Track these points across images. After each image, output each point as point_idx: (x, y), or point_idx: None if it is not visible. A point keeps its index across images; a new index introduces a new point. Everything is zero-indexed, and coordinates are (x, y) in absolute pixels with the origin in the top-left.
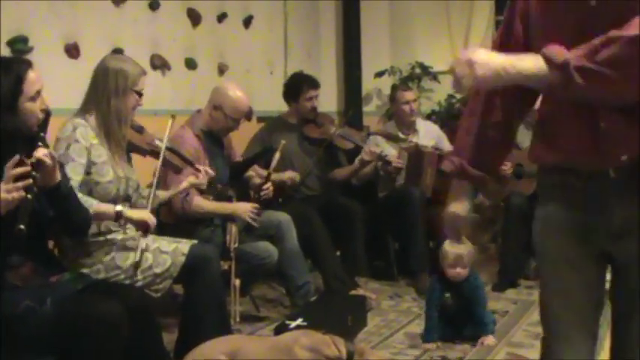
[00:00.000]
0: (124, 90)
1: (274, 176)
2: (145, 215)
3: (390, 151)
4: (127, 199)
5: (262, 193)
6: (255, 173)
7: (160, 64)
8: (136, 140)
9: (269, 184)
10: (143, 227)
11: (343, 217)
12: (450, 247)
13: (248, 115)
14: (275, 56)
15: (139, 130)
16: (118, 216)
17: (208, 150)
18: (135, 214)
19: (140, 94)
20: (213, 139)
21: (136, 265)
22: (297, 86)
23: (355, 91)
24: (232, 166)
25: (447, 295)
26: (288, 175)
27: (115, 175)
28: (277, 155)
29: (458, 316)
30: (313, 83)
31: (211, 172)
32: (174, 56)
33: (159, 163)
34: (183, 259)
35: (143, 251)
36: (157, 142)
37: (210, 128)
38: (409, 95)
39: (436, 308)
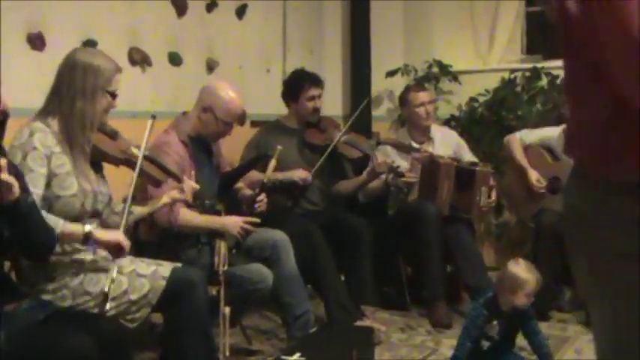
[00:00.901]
0: (93, 90)
1: (282, 176)
2: (118, 237)
3: (402, 162)
4: (95, 216)
5: (256, 206)
6: (245, 184)
7: (139, 59)
8: (107, 147)
9: (263, 196)
10: (115, 251)
11: (348, 237)
12: (516, 269)
13: (241, 118)
14: (272, 52)
15: (113, 135)
16: (87, 237)
17: (195, 158)
18: (105, 235)
19: (114, 95)
20: (202, 145)
21: (105, 296)
22: (297, 84)
23: (363, 93)
24: (222, 177)
25: (495, 322)
26: (299, 175)
27: (80, 188)
28: (273, 162)
29: (495, 351)
30: (315, 81)
31: (195, 185)
32: (155, 50)
33: (135, 174)
34: (163, 283)
35: (113, 280)
36: (134, 150)
37: (198, 133)
38: (423, 96)
39: (475, 339)
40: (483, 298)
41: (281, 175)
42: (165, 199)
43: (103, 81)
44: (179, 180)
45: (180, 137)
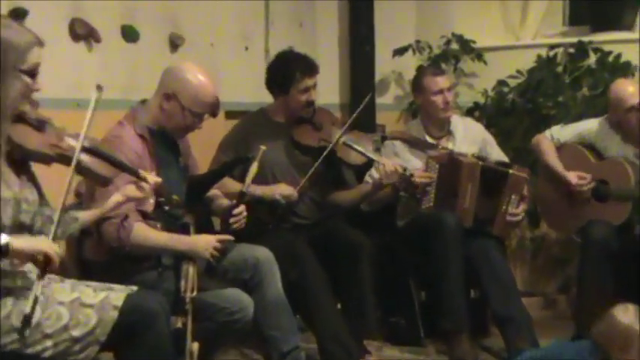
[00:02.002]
0: (3, 70)
1: (261, 191)
2: (43, 245)
3: (414, 162)
4: (22, 229)
5: (232, 220)
6: (221, 192)
7: (84, 33)
8: (32, 142)
9: (242, 208)
10: (41, 263)
11: (346, 254)
12: (628, 319)
13: (214, 108)
14: (252, 26)
15: (39, 126)
16: (4, 251)
17: (157, 157)
18: (26, 243)
19: (32, 75)
20: (165, 141)
21: (26, 321)
22: (287, 73)
23: (365, 76)
24: (191, 182)
25: None
26: (282, 191)
27: None
28: (254, 167)
29: None
30: (310, 68)
31: (156, 178)
32: (105, 23)
33: (70, 170)
34: (115, 314)
35: (37, 299)
36: (70, 142)
37: (160, 126)
38: (442, 81)
39: None
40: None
41: (260, 191)
42: (117, 197)
43: (13, 58)
44: (136, 174)
45: (137, 131)
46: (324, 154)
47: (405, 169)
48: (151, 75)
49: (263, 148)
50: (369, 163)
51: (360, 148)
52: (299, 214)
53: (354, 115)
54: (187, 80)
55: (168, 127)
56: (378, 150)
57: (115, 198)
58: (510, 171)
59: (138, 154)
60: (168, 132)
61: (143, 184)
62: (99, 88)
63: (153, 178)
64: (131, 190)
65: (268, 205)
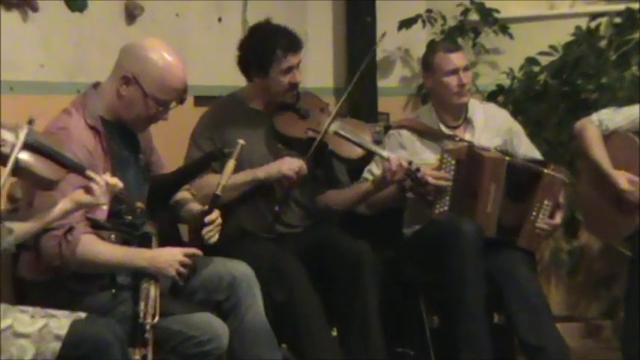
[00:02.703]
0: None
1: (265, 172)
2: None
3: (426, 156)
4: None
5: (204, 230)
6: (190, 194)
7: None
8: None
9: (216, 215)
10: None
11: (344, 269)
12: None
13: (182, 93)
14: None
15: None
16: None
17: (112, 153)
18: None
19: None
20: (122, 134)
21: None
22: (265, 50)
23: (365, 54)
24: (154, 183)
25: None
26: (289, 166)
27: None
28: (230, 165)
29: None
30: (292, 43)
31: (117, 182)
32: None
33: (5, 172)
34: (57, 346)
35: None
36: (6, 136)
37: (116, 116)
38: (455, 59)
39: None
40: None
41: (263, 173)
42: (65, 204)
43: None
44: (85, 174)
45: (88, 121)
46: (314, 146)
47: (410, 163)
48: (102, 52)
49: (241, 142)
50: (367, 158)
51: (355, 139)
52: (284, 222)
53: (344, 95)
54: (151, 60)
55: (126, 118)
56: (378, 143)
57: (62, 205)
58: (545, 170)
59: (89, 151)
60: (126, 123)
61: (94, 186)
62: (30, 122)
63: (110, 179)
64: (81, 195)
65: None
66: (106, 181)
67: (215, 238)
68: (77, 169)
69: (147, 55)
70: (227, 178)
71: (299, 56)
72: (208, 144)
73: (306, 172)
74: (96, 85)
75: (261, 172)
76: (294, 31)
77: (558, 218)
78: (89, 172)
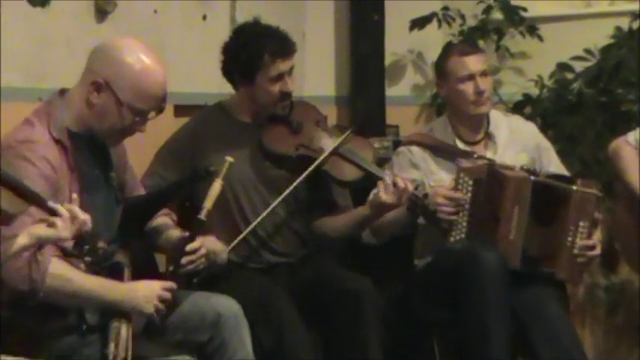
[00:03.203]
0: None
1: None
2: None
3: (440, 176)
4: None
5: (185, 261)
6: (170, 219)
7: None
8: None
9: (199, 243)
10: None
11: (343, 308)
12: None
13: (161, 102)
14: None
15: None
16: None
17: (81, 171)
18: None
19: None
20: (92, 148)
21: None
22: (251, 54)
23: (370, 59)
24: (128, 207)
25: None
26: (216, 247)
27: None
28: (217, 186)
29: None
30: (282, 47)
31: (83, 217)
32: None
33: None
34: None
35: None
36: None
37: (86, 127)
38: (472, 62)
39: None
40: None
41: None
42: (22, 239)
43: None
44: (47, 208)
45: (53, 134)
46: (310, 170)
47: (416, 187)
48: (69, 54)
49: (230, 160)
50: (370, 179)
51: (353, 158)
52: (275, 250)
53: (346, 134)
54: (126, 63)
55: (97, 130)
56: (384, 160)
57: (20, 240)
58: (574, 187)
59: (53, 168)
60: (97, 136)
61: (57, 220)
62: None
63: (80, 214)
64: (40, 230)
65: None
66: (71, 214)
67: (198, 267)
68: (37, 199)
69: (121, 57)
70: (213, 200)
71: (291, 62)
72: (170, 164)
73: (225, 261)
74: (62, 92)
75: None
76: (284, 32)
77: (597, 237)
78: (51, 204)
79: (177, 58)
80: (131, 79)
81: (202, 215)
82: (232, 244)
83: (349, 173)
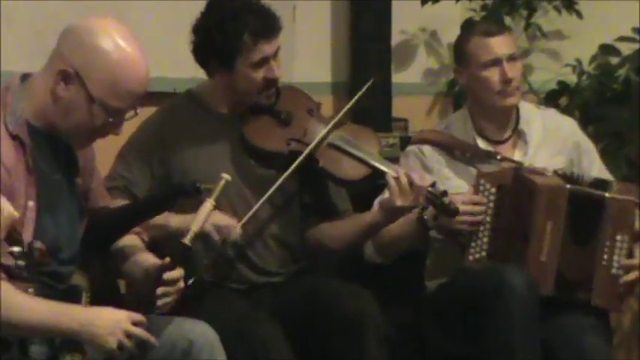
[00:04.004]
0: None
1: (178, 222)
2: None
3: (456, 183)
4: None
5: (161, 292)
6: (140, 240)
7: None
8: None
9: (179, 273)
10: None
11: (341, 336)
12: None
13: (141, 98)
14: None
15: None
16: None
17: (41, 173)
18: None
19: None
20: (54, 148)
21: None
22: (228, 35)
23: (374, 39)
24: (94, 219)
25: None
26: (219, 221)
27: None
28: (208, 206)
29: None
30: (265, 26)
31: (10, 211)
32: None
33: None
34: None
35: None
36: None
37: (48, 123)
38: (498, 45)
39: None
40: None
41: (177, 222)
42: None
43: None
44: None
45: (9, 127)
46: (296, 163)
47: (433, 184)
48: (29, 35)
49: (226, 177)
50: (376, 179)
51: (356, 152)
52: (260, 268)
53: (349, 104)
54: (102, 52)
55: (61, 127)
56: (390, 161)
57: None
58: (607, 194)
59: (6, 169)
60: (61, 134)
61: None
62: None
63: (6, 210)
64: None
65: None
66: (5, 212)
67: (173, 304)
68: None
69: (96, 43)
70: (201, 223)
71: (276, 43)
72: (136, 163)
73: (238, 237)
74: (24, 78)
75: (175, 221)
76: (268, 7)
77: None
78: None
79: (143, 37)
80: (106, 70)
81: (187, 240)
82: (244, 219)
83: (352, 170)
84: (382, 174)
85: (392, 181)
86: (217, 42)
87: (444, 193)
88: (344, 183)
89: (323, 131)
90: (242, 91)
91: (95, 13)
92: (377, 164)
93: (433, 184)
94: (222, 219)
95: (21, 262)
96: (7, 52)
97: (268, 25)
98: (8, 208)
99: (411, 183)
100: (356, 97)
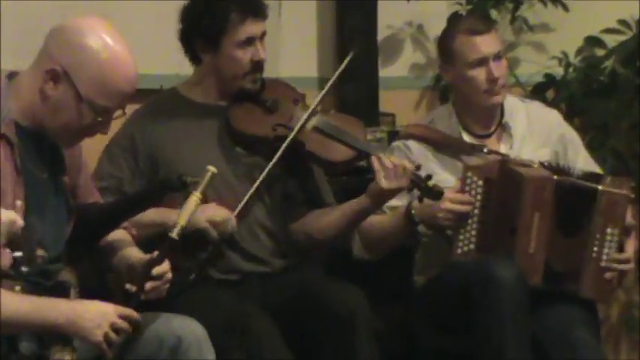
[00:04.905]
0: None
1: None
2: None
3: (442, 177)
4: None
5: (149, 287)
6: (129, 235)
7: None
8: None
9: (167, 267)
10: None
11: (332, 330)
12: None
13: (129, 97)
14: None
15: None
16: None
17: (28, 173)
18: None
19: None
20: (41, 147)
21: None
22: (214, 13)
23: (360, 34)
24: (81, 217)
25: None
26: (211, 216)
27: None
28: (194, 199)
29: None
30: (252, 5)
31: (14, 219)
32: None
33: None
34: None
35: None
36: None
37: (36, 122)
38: (485, 44)
39: None
40: None
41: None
42: None
43: None
44: None
45: None
46: (285, 145)
47: (417, 167)
48: (16, 34)
49: (212, 170)
50: (359, 158)
51: (341, 136)
52: (247, 253)
53: (331, 81)
54: (90, 51)
55: (50, 126)
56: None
57: None
58: (600, 187)
59: None
60: (48, 133)
61: None
62: None
63: (5, 215)
64: None
65: (193, 241)
66: (6, 217)
67: (161, 295)
68: None
69: (85, 42)
70: (188, 216)
71: (262, 26)
72: (126, 158)
73: (235, 228)
74: (11, 76)
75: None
76: None
77: (630, 248)
78: None
79: (128, 33)
80: (95, 69)
81: (174, 233)
82: (237, 209)
83: (338, 152)
84: (367, 156)
85: (376, 164)
86: (204, 21)
87: (429, 176)
88: (330, 165)
89: (308, 110)
90: (228, 74)
91: (82, 12)
92: (362, 147)
93: (418, 167)
94: (217, 214)
95: (24, 269)
96: None
97: (255, 5)
98: (9, 215)
99: (395, 165)
100: (339, 70)
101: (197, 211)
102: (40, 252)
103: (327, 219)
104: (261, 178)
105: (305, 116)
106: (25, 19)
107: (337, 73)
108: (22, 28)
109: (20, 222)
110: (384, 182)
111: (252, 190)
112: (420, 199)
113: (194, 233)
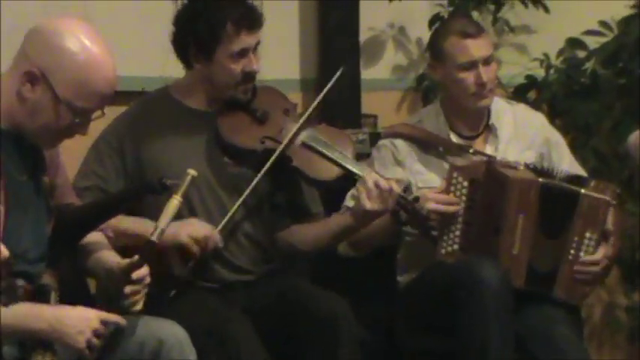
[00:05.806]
0: None
1: (169, 234)
2: None
3: (428, 177)
4: None
5: (129, 290)
6: (105, 237)
7: None
8: None
9: (145, 271)
10: None
11: (315, 336)
12: None
13: (110, 98)
14: None
15: None
16: None
17: (8, 177)
18: None
19: None
20: (20, 149)
21: None
22: (209, 23)
23: (342, 35)
24: (60, 219)
25: None
26: (196, 233)
27: None
28: (174, 202)
29: None
30: (249, 16)
31: (4, 253)
32: None
33: None
34: None
35: None
36: None
37: (14, 124)
38: (476, 47)
39: None
40: None
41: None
42: None
43: None
44: None
45: None
46: (271, 161)
47: (405, 188)
48: (15, 31)
49: (192, 173)
50: (348, 179)
51: (329, 153)
52: (232, 265)
53: (321, 95)
54: (67, 51)
55: (28, 128)
56: (360, 156)
57: None
58: (582, 190)
59: None
60: (27, 135)
61: None
62: None
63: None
64: None
65: (174, 255)
66: None
67: (140, 305)
68: None
69: (62, 44)
70: (168, 219)
71: (257, 36)
72: (113, 157)
73: (220, 244)
74: None
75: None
76: (251, 1)
77: (602, 251)
78: None
79: (109, 35)
80: (73, 71)
81: (154, 237)
82: (221, 224)
83: (324, 170)
84: (354, 177)
85: (361, 185)
86: (199, 30)
87: (416, 199)
88: (316, 183)
89: (296, 125)
90: (220, 83)
91: (62, 13)
92: (349, 166)
93: (405, 190)
94: (199, 230)
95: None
96: None
97: (251, 17)
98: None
99: (380, 188)
100: (327, 87)
101: (179, 225)
102: (20, 282)
103: (311, 233)
104: (247, 192)
105: (293, 131)
106: (25, 20)
107: (325, 90)
108: (22, 28)
109: (6, 254)
110: (367, 204)
111: (236, 205)
112: (406, 223)
113: (176, 248)
